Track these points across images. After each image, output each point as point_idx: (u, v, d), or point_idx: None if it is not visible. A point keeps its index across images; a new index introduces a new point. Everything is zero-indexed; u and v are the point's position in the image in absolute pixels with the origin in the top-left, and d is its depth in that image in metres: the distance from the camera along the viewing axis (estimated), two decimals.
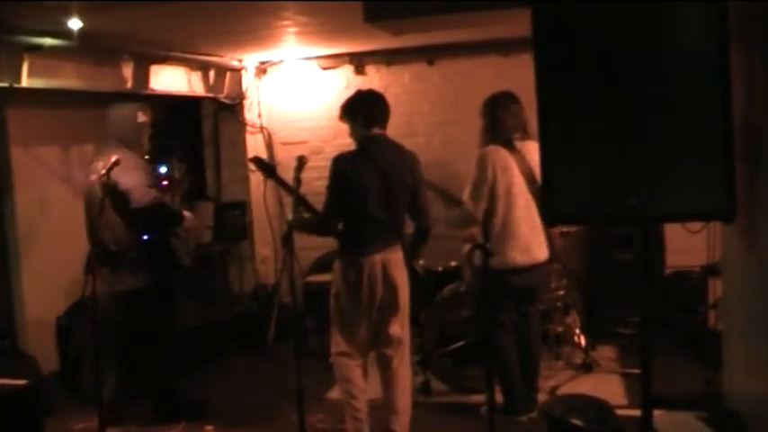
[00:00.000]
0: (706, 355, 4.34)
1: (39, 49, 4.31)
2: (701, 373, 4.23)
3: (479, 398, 4.27)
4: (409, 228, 3.93)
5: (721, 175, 2.35)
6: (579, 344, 5.11)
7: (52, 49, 4.35)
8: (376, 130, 3.80)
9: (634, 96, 2.40)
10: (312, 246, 5.66)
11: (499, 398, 4.17)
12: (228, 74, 6.43)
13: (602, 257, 5.67)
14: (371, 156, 3.74)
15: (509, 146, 4.16)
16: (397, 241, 3.80)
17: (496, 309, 4.17)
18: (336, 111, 3.94)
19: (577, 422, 3.19)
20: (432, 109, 6.41)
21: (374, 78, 6.45)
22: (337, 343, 3.83)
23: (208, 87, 6.26)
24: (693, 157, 2.38)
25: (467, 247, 4.53)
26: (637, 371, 3.63)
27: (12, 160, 5.04)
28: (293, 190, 3.74)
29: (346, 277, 3.73)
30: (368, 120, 3.79)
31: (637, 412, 2.73)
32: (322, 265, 5.91)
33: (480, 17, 4.30)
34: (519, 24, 3.14)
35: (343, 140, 4.31)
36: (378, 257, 3.70)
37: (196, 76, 6.11)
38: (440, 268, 5.15)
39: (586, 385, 4.62)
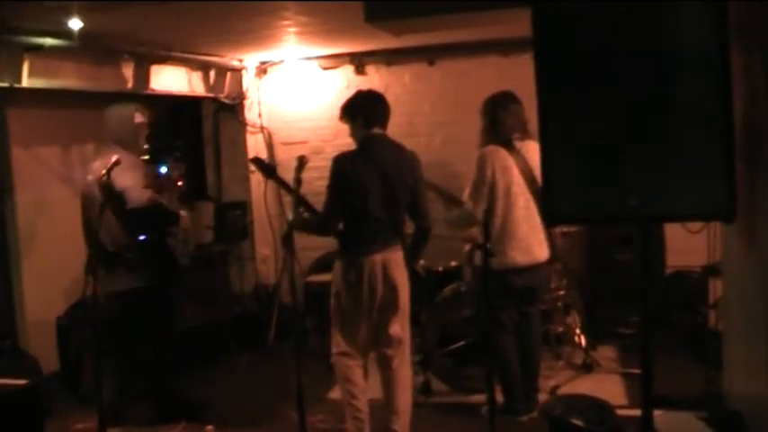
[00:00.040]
0: (706, 355, 4.35)
1: (39, 49, 4.32)
2: (701, 373, 4.24)
3: (480, 398, 4.26)
4: (409, 228, 3.93)
5: (721, 175, 2.35)
6: (579, 344, 5.11)
7: (53, 49, 4.36)
8: (376, 130, 3.80)
9: (634, 96, 2.40)
10: (312, 246, 5.66)
11: (500, 398, 4.17)
12: (229, 74, 6.43)
13: (602, 257, 5.67)
14: (372, 155, 3.74)
15: (508, 146, 4.16)
16: (398, 241, 3.80)
17: (497, 309, 4.16)
18: (337, 111, 3.94)
19: (578, 422, 3.19)
20: (432, 109, 6.41)
21: (374, 78, 6.45)
22: (338, 343, 3.83)
23: (208, 87, 6.26)
24: (693, 157, 2.38)
25: (467, 247, 4.53)
26: (637, 371, 3.64)
27: (12, 160, 5.04)
28: (293, 191, 3.73)
29: (346, 277, 3.72)
30: (368, 120, 3.79)
31: (637, 412, 2.73)
32: (322, 265, 5.91)
33: (480, 17, 4.30)
34: (519, 24, 3.15)
35: (344, 140, 4.31)
36: (378, 257, 3.70)
37: (196, 76, 6.11)
38: (440, 268, 5.16)
39: (587, 385, 4.62)
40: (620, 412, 3.43)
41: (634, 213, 2.46)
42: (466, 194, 4.18)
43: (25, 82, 4.35)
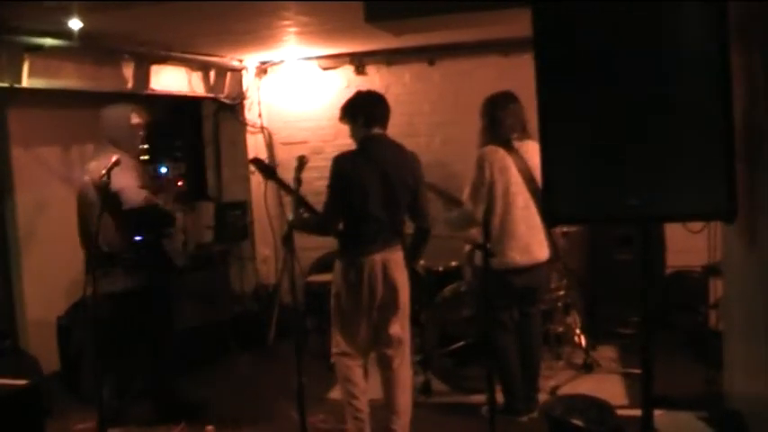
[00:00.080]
0: (707, 355, 4.35)
1: (39, 49, 4.31)
2: (701, 373, 4.23)
3: (480, 398, 4.27)
4: (409, 228, 3.93)
5: (722, 175, 2.35)
6: (580, 344, 5.10)
7: (53, 49, 4.36)
8: (376, 130, 3.80)
9: (634, 96, 2.40)
10: (313, 246, 5.66)
11: (500, 398, 4.17)
12: (229, 74, 6.44)
13: (602, 257, 5.67)
14: (372, 155, 3.74)
15: (507, 146, 4.16)
16: (398, 241, 3.80)
17: (497, 309, 4.17)
18: (337, 111, 3.94)
19: (578, 422, 3.19)
20: (432, 109, 6.41)
21: (375, 78, 6.45)
22: (338, 343, 3.83)
23: (208, 87, 6.27)
24: (693, 157, 2.38)
25: (467, 247, 4.53)
26: (637, 371, 3.64)
27: (12, 160, 5.04)
28: (293, 191, 3.73)
29: (347, 277, 3.72)
30: (368, 120, 3.79)
31: (637, 412, 2.72)
32: (322, 265, 5.91)
33: (481, 17, 4.30)
34: (519, 24, 3.15)
35: (344, 140, 4.30)
36: (378, 257, 3.70)
37: (197, 77, 6.11)
38: (440, 268, 5.16)
39: (587, 385, 4.62)
40: (620, 412, 3.43)
41: (634, 213, 2.46)
42: (465, 195, 4.17)
43: (25, 82, 4.35)
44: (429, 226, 3.93)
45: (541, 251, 4.22)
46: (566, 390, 4.61)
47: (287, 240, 3.56)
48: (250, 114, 6.65)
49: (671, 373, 4.22)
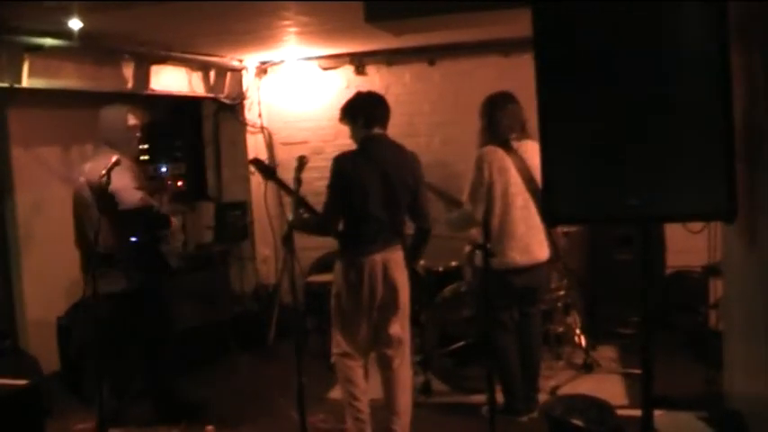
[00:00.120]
0: (707, 355, 4.35)
1: (39, 49, 4.31)
2: (701, 373, 4.23)
3: (480, 398, 4.27)
4: (409, 228, 3.93)
5: (721, 175, 2.35)
6: (580, 344, 5.10)
7: (53, 49, 4.35)
8: (377, 131, 3.80)
9: (634, 96, 2.40)
10: (313, 246, 5.66)
11: (500, 398, 4.17)
12: (229, 74, 6.44)
13: (602, 257, 5.67)
14: (372, 155, 3.74)
15: (506, 146, 4.16)
16: (398, 241, 3.80)
17: (497, 309, 4.17)
18: (337, 111, 3.94)
19: (578, 422, 3.19)
20: (432, 109, 6.41)
21: (375, 78, 6.46)
22: (338, 343, 3.83)
23: (208, 87, 6.26)
24: (693, 157, 2.38)
25: (468, 247, 4.53)
26: (637, 371, 3.64)
27: (12, 160, 5.05)
28: (293, 191, 3.73)
29: (347, 277, 3.72)
30: (368, 121, 3.79)
31: (637, 412, 2.72)
32: (323, 265, 5.91)
33: (481, 17, 4.30)
34: (519, 24, 3.15)
35: (344, 141, 4.30)
36: (378, 257, 3.70)
37: (197, 77, 6.11)
38: (440, 268, 5.16)
39: (587, 385, 4.61)
40: (620, 412, 3.43)
41: (634, 213, 2.46)
42: (465, 196, 4.18)
43: (25, 82, 4.35)
44: (429, 226, 3.92)
45: (541, 251, 4.22)
46: (566, 390, 4.60)
47: (287, 240, 3.56)
48: (250, 114, 6.65)
49: (671, 373, 4.22)
